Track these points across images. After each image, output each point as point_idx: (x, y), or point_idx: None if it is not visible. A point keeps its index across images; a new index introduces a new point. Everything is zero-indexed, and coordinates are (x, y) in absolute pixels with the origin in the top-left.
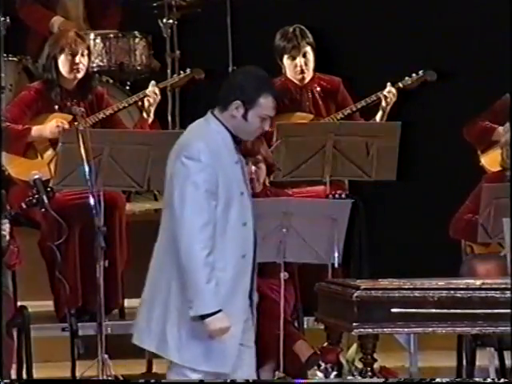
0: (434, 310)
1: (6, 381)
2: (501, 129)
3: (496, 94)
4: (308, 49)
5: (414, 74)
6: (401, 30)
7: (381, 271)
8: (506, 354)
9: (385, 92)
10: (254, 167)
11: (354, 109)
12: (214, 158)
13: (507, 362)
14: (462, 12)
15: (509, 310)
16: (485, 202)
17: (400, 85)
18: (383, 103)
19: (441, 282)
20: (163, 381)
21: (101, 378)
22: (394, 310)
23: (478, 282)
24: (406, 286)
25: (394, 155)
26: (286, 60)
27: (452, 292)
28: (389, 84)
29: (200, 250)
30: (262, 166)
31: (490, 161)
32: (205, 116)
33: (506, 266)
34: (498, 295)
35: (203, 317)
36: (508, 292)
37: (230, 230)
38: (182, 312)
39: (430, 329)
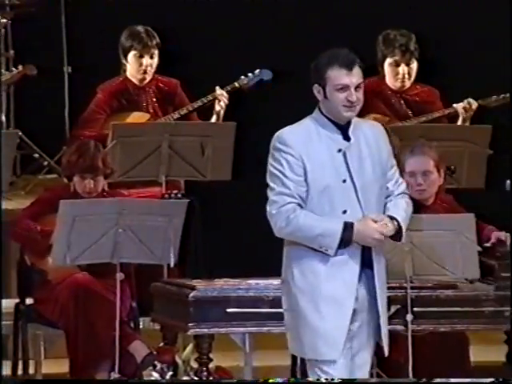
0: (269, 310)
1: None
2: None
3: None
4: (156, 51)
5: (250, 74)
6: (238, 30)
7: (217, 271)
8: None
9: (216, 95)
10: (92, 181)
11: (191, 108)
12: (300, 146)
13: None
14: (299, 11)
15: None
16: None
17: (236, 84)
18: (216, 107)
19: (276, 282)
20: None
21: None
22: (229, 309)
23: None
24: (242, 286)
25: (229, 155)
26: (131, 58)
27: None
28: (217, 88)
29: (285, 221)
30: (100, 178)
31: None
32: None
33: None
34: None
35: (346, 243)
36: None
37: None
38: (290, 304)
39: (266, 328)
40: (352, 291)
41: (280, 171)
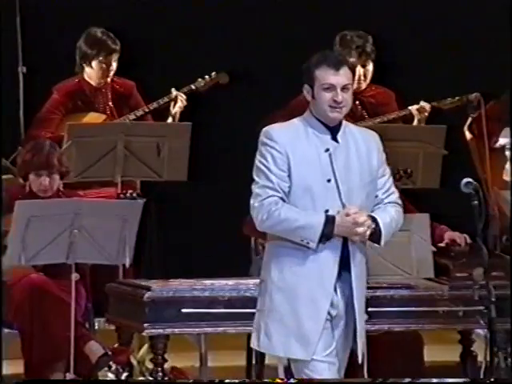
0: (224, 310)
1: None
2: None
3: (289, 95)
4: (116, 56)
5: (206, 76)
6: (195, 32)
7: (172, 271)
8: None
9: (173, 96)
10: (47, 179)
11: (147, 110)
12: (286, 142)
13: None
14: (256, 13)
15: None
16: None
17: (193, 87)
18: (173, 109)
19: (231, 282)
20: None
21: None
22: (184, 310)
23: None
24: (197, 287)
25: (185, 156)
26: (96, 65)
27: (242, 292)
28: (173, 89)
29: (267, 213)
30: (56, 176)
31: None
32: None
33: None
34: None
35: (327, 236)
36: None
37: None
38: (263, 301)
39: (221, 328)
40: (329, 293)
41: (264, 165)
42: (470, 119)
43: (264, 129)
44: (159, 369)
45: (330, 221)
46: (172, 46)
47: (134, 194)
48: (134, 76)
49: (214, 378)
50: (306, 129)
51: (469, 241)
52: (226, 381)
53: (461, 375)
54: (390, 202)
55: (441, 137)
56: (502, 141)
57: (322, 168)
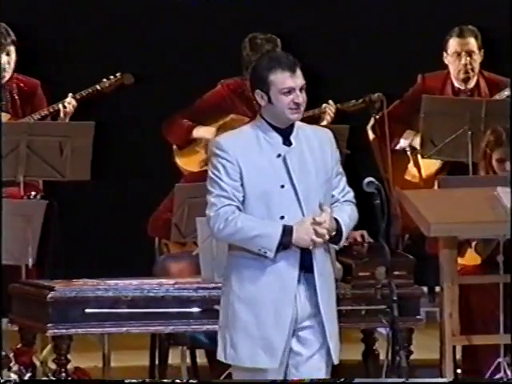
0: (127, 310)
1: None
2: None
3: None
4: (12, 48)
5: (111, 77)
6: (101, 33)
7: (75, 271)
8: (199, 352)
9: (65, 102)
10: None
11: (52, 110)
12: (236, 151)
13: (199, 361)
14: (159, 14)
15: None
16: (178, 202)
17: (98, 87)
18: (61, 114)
19: (135, 282)
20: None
21: None
22: (88, 310)
23: (171, 281)
24: (100, 287)
25: (88, 155)
26: None
27: (145, 291)
28: (70, 95)
29: (224, 222)
30: None
31: (187, 161)
32: None
33: (198, 264)
34: (190, 294)
35: (285, 245)
36: (201, 290)
37: None
38: (226, 312)
39: (124, 328)
40: (291, 298)
41: (217, 176)
42: (372, 120)
43: (214, 139)
44: (62, 369)
45: (287, 230)
46: (78, 46)
47: (38, 196)
48: (38, 74)
49: (116, 378)
50: (257, 135)
51: (368, 238)
52: (126, 381)
53: (363, 374)
54: (346, 201)
55: (343, 136)
56: (403, 143)
57: (276, 174)
